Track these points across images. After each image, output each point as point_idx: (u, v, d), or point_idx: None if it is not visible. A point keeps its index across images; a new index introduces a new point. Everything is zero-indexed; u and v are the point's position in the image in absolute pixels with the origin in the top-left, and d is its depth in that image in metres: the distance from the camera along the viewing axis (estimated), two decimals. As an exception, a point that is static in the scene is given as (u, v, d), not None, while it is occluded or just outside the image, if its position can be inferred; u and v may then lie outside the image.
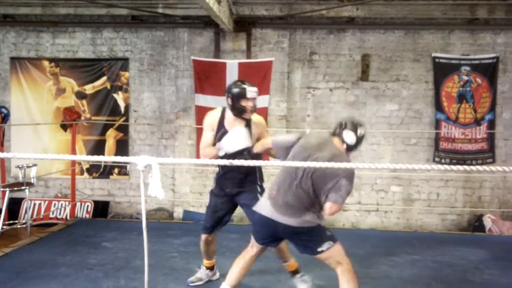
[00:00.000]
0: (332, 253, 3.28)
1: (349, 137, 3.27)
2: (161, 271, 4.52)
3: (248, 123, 3.76)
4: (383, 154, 7.34)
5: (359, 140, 3.31)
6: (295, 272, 4.01)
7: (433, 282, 4.28)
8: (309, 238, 3.29)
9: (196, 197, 7.43)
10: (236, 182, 3.87)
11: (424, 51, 7.30)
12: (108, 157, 4.39)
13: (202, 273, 4.27)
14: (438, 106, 7.23)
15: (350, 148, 3.31)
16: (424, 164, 2.77)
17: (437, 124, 7.24)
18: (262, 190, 3.79)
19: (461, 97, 7.20)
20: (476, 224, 7.02)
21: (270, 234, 3.40)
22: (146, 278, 2.60)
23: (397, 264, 4.84)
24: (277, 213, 3.24)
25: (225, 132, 3.73)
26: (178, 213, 7.44)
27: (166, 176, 7.44)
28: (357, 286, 3.27)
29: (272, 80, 7.26)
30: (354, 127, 3.30)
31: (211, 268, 4.28)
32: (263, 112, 7.23)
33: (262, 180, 3.96)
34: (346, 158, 3.28)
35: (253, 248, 3.53)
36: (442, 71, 7.22)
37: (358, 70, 7.39)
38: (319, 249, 3.27)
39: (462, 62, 7.21)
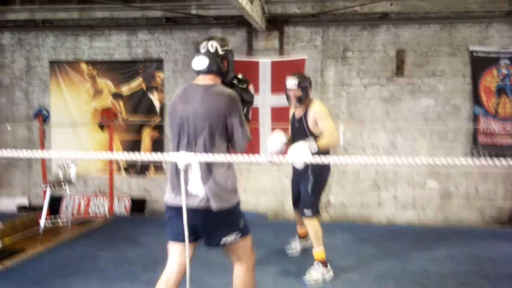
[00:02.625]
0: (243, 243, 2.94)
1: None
2: (198, 265, 4.54)
3: (306, 110, 4.34)
4: (419, 149, 7.21)
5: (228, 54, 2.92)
6: (303, 236, 5.01)
7: (472, 276, 4.19)
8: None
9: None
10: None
11: (461, 45, 7.14)
12: (148, 155, 4.45)
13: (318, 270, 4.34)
14: (477, 100, 7.06)
15: (223, 75, 2.95)
16: (462, 158, 2.71)
17: (475, 119, 7.07)
18: (314, 179, 4.37)
19: (501, 91, 7.01)
20: (518, 219, 6.82)
21: None
22: (188, 272, 2.64)
23: (435, 259, 4.76)
24: None
25: None
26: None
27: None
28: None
29: (306, 77, 7.25)
30: (221, 41, 2.97)
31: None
32: (296, 110, 7.23)
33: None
34: (220, 88, 2.86)
35: None
36: (480, 65, 7.05)
37: (393, 66, 7.29)
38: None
39: (501, 55, 7.02)
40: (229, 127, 2.77)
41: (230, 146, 2.86)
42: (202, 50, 2.90)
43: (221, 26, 7.55)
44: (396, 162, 2.23)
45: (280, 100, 7.22)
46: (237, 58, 7.30)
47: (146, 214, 7.74)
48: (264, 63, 7.27)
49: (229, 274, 4.29)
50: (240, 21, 7.25)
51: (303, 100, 4.35)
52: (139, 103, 7.92)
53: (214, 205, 2.70)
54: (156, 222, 6.44)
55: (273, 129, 7.20)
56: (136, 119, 7.90)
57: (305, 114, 4.30)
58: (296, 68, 7.21)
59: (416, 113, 7.24)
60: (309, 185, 4.36)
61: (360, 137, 7.34)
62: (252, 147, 7.22)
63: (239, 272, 2.98)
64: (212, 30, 7.58)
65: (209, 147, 2.72)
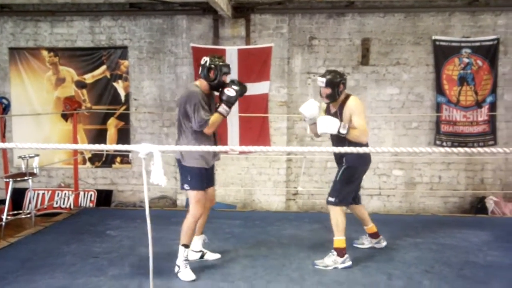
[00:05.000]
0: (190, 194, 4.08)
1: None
2: (166, 258, 4.54)
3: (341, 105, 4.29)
4: (384, 138, 7.34)
5: (206, 65, 3.95)
6: (373, 236, 4.79)
7: (436, 264, 4.31)
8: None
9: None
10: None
11: (424, 34, 7.26)
12: (110, 146, 4.33)
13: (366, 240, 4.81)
14: (439, 89, 7.21)
15: (206, 78, 3.98)
16: (425, 148, 2.79)
17: (438, 107, 7.23)
18: (345, 166, 4.33)
19: (462, 80, 7.18)
20: (479, 206, 7.04)
21: None
22: (151, 266, 2.62)
23: (400, 247, 4.87)
24: None
25: None
26: (181, 200, 7.47)
27: (169, 164, 7.46)
28: (193, 228, 4.10)
29: (272, 66, 7.25)
30: (212, 59, 4.00)
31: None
32: (264, 98, 7.24)
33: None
34: (189, 89, 3.99)
35: None
36: (442, 54, 7.19)
37: (358, 54, 7.36)
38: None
39: (462, 44, 7.18)
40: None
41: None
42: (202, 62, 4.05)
43: (186, 13, 7.43)
44: (359, 151, 2.28)
45: (248, 88, 7.20)
46: (203, 45, 7.31)
47: (113, 206, 7.63)
48: (231, 51, 7.21)
49: (197, 266, 4.31)
50: (206, 8, 7.15)
51: (334, 97, 4.26)
52: (103, 92, 7.76)
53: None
54: (123, 214, 6.35)
55: (240, 118, 7.21)
56: (101, 108, 7.74)
57: (340, 109, 4.25)
58: (263, 56, 7.20)
59: (380, 101, 7.35)
60: (339, 172, 4.35)
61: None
62: (220, 136, 7.18)
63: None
64: (178, 16, 7.46)
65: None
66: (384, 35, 7.32)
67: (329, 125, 4.08)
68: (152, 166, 2.53)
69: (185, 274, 4.05)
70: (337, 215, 4.29)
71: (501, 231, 5.49)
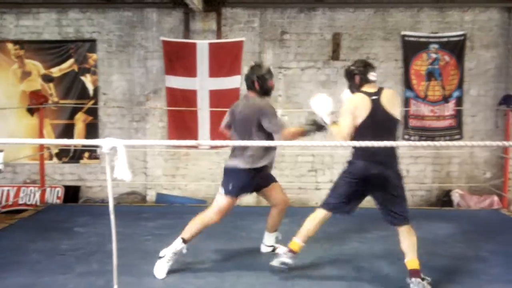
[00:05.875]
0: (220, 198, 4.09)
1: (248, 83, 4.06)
2: (135, 254, 4.50)
3: None
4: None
5: (259, 79, 3.99)
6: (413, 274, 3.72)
7: (402, 256, 4.37)
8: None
9: (169, 179, 7.39)
10: None
11: (393, 29, 7.35)
12: (73, 141, 4.28)
13: None
14: (408, 84, 7.32)
15: (257, 92, 4.03)
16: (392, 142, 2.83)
17: (406, 102, 7.33)
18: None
19: (430, 75, 7.30)
20: (445, 199, 7.19)
21: None
22: (115, 262, 2.59)
23: (368, 240, 4.94)
24: None
25: None
26: (151, 196, 7.40)
27: (138, 159, 7.38)
28: (199, 228, 4.06)
29: (243, 60, 7.21)
30: (251, 70, 4.06)
31: None
32: (235, 93, 7.20)
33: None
34: (259, 101, 3.99)
35: None
36: (411, 49, 7.29)
37: (329, 49, 7.40)
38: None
39: (430, 40, 7.29)
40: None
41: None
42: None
43: (157, 6, 7.34)
44: (330, 144, 2.30)
45: (219, 83, 7.19)
46: (173, 39, 7.23)
47: (81, 202, 7.49)
48: (202, 45, 7.16)
49: (223, 264, 4.28)
50: (177, 1, 7.08)
51: (351, 90, 3.83)
52: (71, 86, 7.61)
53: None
54: (91, 210, 6.26)
55: (211, 112, 7.16)
56: (68, 102, 7.58)
57: None
58: (234, 50, 7.17)
59: (351, 96, 7.40)
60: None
61: (298, 121, 7.41)
62: (191, 130, 7.15)
63: None
64: (148, 10, 7.37)
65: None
66: (354, 30, 7.38)
67: (320, 105, 3.81)
68: (116, 161, 2.49)
69: (161, 267, 3.98)
70: (312, 218, 3.94)
71: (466, 223, 5.61)
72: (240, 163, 3.99)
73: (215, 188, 7.37)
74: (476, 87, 7.37)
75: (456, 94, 7.31)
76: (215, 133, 7.18)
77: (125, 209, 6.47)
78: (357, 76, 3.75)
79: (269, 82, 4.07)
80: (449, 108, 7.30)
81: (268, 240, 4.52)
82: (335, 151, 7.31)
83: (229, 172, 4.06)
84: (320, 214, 3.94)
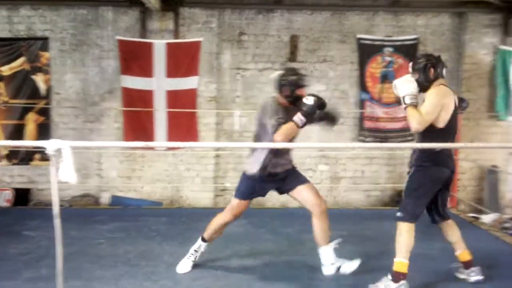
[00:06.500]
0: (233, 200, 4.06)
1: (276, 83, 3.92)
2: (87, 258, 4.40)
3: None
4: (311, 134, 7.45)
5: (279, 82, 3.88)
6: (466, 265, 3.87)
7: (356, 255, 4.42)
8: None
9: (124, 181, 7.25)
10: None
11: (349, 32, 7.46)
12: (18, 142, 4.14)
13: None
14: (363, 86, 7.44)
15: (286, 97, 3.86)
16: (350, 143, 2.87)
17: (361, 104, 7.46)
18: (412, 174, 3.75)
19: (384, 77, 7.45)
20: (398, 199, 7.34)
21: None
22: (60, 267, 2.51)
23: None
24: None
25: None
26: (105, 198, 7.23)
27: (92, 161, 7.20)
28: (216, 227, 4.10)
29: (201, 61, 7.17)
30: (285, 74, 3.95)
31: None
32: (192, 94, 7.16)
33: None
34: (266, 104, 3.85)
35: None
36: (366, 52, 7.42)
37: (287, 51, 7.44)
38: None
39: (385, 43, 7.44)
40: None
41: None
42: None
43: (112, 4, 7.20)
44: (291, 147, 2.29)
45: (176, 83, 7.11)
46: (130, 38, 7.11)
47: (31, 205, 7.23)
48: (159, 45, 7.06)
49: (120, 266, 4.19)
50: (133, 0, 6.95)
51: (420, 84, 3.66)
52: (22, 85, 7.34)
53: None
54: (42, 214, 6.02)
55: (168, 113, 7.09)
56: (19, 102, 7.32)
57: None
58: (192, 50, 7.11)
59: (308, 98, 7.47)
60: (407, 180, 3.76)
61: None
62: (147, 131, 7.04)
63: None
64: (103, 8, 7.21)
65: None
66: (311, 32, 7.44)
67: (405, 85, 3.57)
68: (61, 162, 2.42)
69: (183, 263, 4.12)
70: (402, 233, 3.65)
71: (417, 222, 5.74)
72: (247, 168, 3.98)
73: (171, 189, 7.32)
74: (428, 89, 7.57)
75: (407, 96, 7.48)
76: (173, 134, 7.12)
77: (78, 212, 6.31)
78: (432, 69, 3.65)
79: (299, 91, 3.86)
80: (402, 110, 7.43)
81: (325, 259, 4.00)
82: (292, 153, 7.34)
83: (241, 176, 4.07)
84: (406, 227, 3.67)
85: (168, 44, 7.08)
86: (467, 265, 3.88)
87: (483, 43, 7.39)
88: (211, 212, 6.28)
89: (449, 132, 3.56)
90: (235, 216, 4.08)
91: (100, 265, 4.23)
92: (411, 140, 7.43)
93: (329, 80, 7.49)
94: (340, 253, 4.06)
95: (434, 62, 3.67)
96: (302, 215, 5.72)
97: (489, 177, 7.35)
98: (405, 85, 3.57)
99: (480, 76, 7.44)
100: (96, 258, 4.40)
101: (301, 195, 4.01)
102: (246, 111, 7.30)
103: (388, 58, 7.44)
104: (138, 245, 4.78)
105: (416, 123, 3.48)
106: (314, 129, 7.39)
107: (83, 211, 6.39)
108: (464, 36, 7.40)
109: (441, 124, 3.53)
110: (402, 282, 3.58)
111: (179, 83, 7.12)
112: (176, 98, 7.07)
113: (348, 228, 5.43)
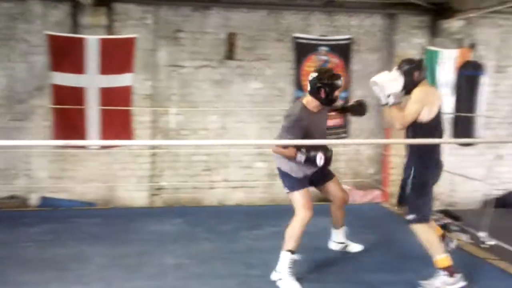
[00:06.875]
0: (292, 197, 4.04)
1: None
2: (14, 262, 4.21)
3: None
4: (248, 131, 7.50)
5: (316, 84, 3.84)
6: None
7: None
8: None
9: (54, 182, 6.96)
10: None
11: (286, 31, 7.53)
12: None
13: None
14: (299, 84, 7.55)
15: (320, 100, 3.88)
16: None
17: (289, 102, 7.58)
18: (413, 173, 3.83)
19: (320, 76, 7.58)
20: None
21: None
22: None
23: (259, 237, 5.03)
24: None
25: None
26: (34, 200, 6.89)
27: (20, 160, 6.87)
28: (299, 234, 3.90)
29: (136, 57, 6.99)
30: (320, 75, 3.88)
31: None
32: (127, 91, 6.98)
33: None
34: (293, 107, 4.06)
35: None
36: (302, 51, 7.53)
37: (224, 48, 7.41)
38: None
39: (320, 42, 7.58)
40: None
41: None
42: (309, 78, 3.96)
43: (41, -3, 6.89)
44: (229, 144, 2.30)
45: (110, 80, 6.90)
46: (59, 34, 6.83)
47: None
48: (91, 41, 6.81)
49: (49, 269, 4.02)
50: (63, -6, 6.69)
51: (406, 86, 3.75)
52: None
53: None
54: None
55: (101, 111, 6.87)
56: None
57: None
58: (127, 47, 6.93)
59: (245, 95, 7.50)
60: (409, 184, 3.79)
61: (192, 120, 7.37)
62: (78, 130, 6.80)
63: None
64: (31, 1, 6.87)
65: None
66: (248, 30, 7.46)
67: (389, 83, 3.71)
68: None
69: (288, 283, 3.72)
70: (423, 233, 3.72)
71: (351, 216, 5.81)
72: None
73: (104, 189, 7.10)
74: (361, 88, 7.73)
75: (344, 94, 7.65)
76: (106, 133, 6.91)
77: (5, 215, 6.01)
78: (416, 72, 3.73)
79: (336, 93, 3.87)
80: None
81: (336, 237, 4.55)
82: (230, 150, 7.37)
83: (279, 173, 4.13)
84: (425, 228, 3.75)
85: (102, 40, 6.85)
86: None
87: (412, 44, 7.68)
88: (146, 212, 6.26)
89: (436, 129, 3.72)
90: (312, 208, 4.02)
91: (28, 269, 4.06)
92: (345, 137, 7.65)
93: (266, 78, 7.54)
94: (274, 249, 4.07)
95: (418, 65, 3.79)
96: (239, 213, 5.80)
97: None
98: (390, 83, 3.71)
99: (410, 75, 7.74)
100: (24, 262, 4.21)
101: (331, 189, 4.40)
102: (183, 109, 7.22)
103: (323, 57, 7.59)
104: (68, 247, 4.61)
105: (398, 124, 3.72)
106: (252, 127, 7.46)
107: (10, 213, 6.08)
108: (395, 36, 7.68)
109: (425, 119, 3.66)
110: (456, 274, 3.66)
111: (113, 80, 6.92)
112: (110, 96, 6.86)
113: (283, 224, 5.46)
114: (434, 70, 7.44)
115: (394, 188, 7.52)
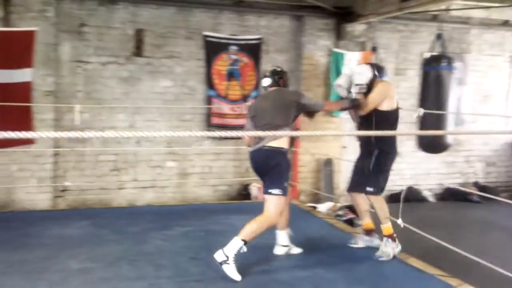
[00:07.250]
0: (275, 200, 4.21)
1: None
2: None
3: None
4: (159, 130, 7.35)
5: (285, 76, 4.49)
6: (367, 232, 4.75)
7: (202, 251, 4.48)
8: None
9: None
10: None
11: (196, 29, 7.48)
12: None
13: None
14: (210, 83, 7.54)
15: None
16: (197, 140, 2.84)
17: (208, 101, 7.55)
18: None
19: (230, 75, 7.64)
20: (244, 192, 7.62)
21: None
22: None
23: (170, 237, 4.96)
24: None
25: None
26: None
27: None
28: (260, 232, 4.04)
29: (37, 52, 6.57)
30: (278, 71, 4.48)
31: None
32: (26, 87, 6.55)
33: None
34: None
35: None
36: (212, 49, 7.52)
37: (132, 45, 7.21)
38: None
39: (230, 41, 7.62)
40: None
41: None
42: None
43: None
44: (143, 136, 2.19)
45: (7, 76, 6.42)
46: None
47: None
48: (-15, 33, 6.33)
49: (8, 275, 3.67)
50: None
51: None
52: None
53: None
54: None
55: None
56: None
57: None
58: (25, 41, 6.50)
59: (155, 93, 7.36)
60: (372, 161, 4.47)
61: (99, 118, 7.09)
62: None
63: None
64: None
65: None
66: (157, 27, 7.31)
67: (361, 74, 4.49)
68: None
69: (232, 270, 3.83)
70: (377, 204, 4.50)
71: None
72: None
73: (2, 192, 6.59)
74: (271, 87, 7.94)
75: (254, 94, 7.76)
76: (3, 131, 6.42)
77: None
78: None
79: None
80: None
81: (282, 240, 4.55)
82: (139, 149, 7.19)
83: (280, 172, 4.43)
84: (380, 198, 4.57)
85: (-3, 32, 6.39)
86: (368, 232, 4.75)
87: (318, 45, 7.97)
88: (48, 215, 5.92)
89: (396, 119, 4.55)
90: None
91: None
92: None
93: (177, 76, 7.44)
94: (184, 249, 4.03)
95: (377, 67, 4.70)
96: (149, 213, 5.68)
97: (325, 169, 7.97)
98: (359, 76, 4.46)
99: (317, 76, 8.02)
100: None
101: None
102: (88, 106, 6.92)
103: (233, 56, 7.64)
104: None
105: (365, 110, 4.44)
106: (163, 126, 7.32)
107: None
108: (302, 38, 7.91)
109: (385, 107, 4.44)
110: (397, 241, 4.47)
111: (10, 75, 6.44)
112: (7, 92, 6.36)
113: (194, 224, 5.48)
114: (340, 71, 7.75)
115: (304, 185, 7.80)
